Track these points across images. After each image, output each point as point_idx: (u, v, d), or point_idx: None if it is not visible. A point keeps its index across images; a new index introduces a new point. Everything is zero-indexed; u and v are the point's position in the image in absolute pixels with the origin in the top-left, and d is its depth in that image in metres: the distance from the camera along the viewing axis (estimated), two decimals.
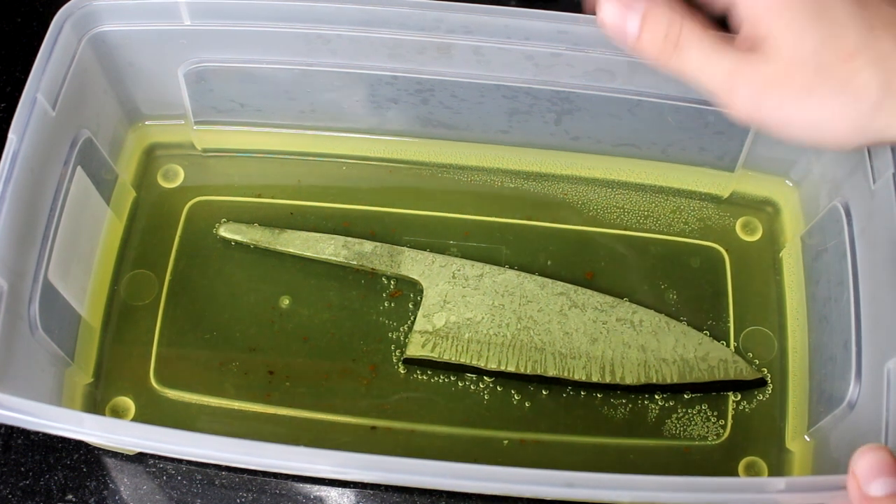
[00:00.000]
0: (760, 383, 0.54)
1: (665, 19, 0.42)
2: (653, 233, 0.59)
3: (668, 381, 0.53)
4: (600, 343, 0.54)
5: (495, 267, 0.57)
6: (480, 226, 0.59)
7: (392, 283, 0.57)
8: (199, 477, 0.52)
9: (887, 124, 0.40)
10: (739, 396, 0.54)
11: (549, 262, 0.58)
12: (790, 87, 0.40)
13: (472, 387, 0.54)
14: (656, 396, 0.54)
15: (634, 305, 0.55)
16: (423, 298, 0.55)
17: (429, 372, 0.54)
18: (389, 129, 0.59)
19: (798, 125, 0.41)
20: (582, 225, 0.59)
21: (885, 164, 0.47)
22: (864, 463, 0.37)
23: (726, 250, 0.58)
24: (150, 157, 0.60)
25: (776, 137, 0.43)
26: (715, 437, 0.53)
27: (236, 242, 0.58)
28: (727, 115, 0.43)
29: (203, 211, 0.59)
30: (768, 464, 0.53)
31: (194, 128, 0.59)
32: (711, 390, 0.54)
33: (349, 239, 0.57)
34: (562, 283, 0.56)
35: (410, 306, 0.56)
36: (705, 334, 0.55)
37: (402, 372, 0.54)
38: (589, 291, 0.56)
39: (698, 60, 0.42)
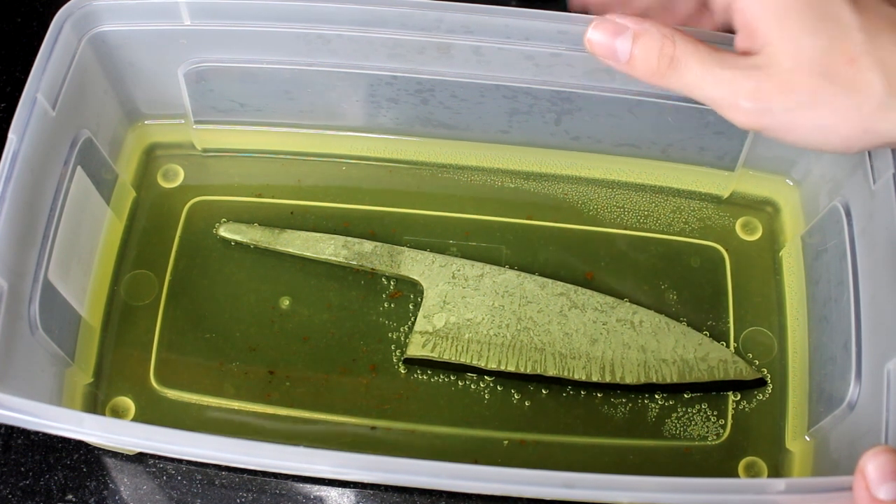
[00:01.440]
0: (760, 383, 0.54)
1: (658, 36, 0.42)
2: (653, 233, 0.59)
3: (668, 381, 0.53)
4: (600, 343, 0.54)
5: (495, 267, 0.57)
6: (480, 226, 0.59)
7: (392, 283, 0.57)
8: (199, 477, 0.52)
9: (893, 126, 0.40)
10: (739, 396, 0.54)
11: (548, 262, 0.58)
12: (794, 93, 0.40)
13: (472, 387, 0.54)
14: (656, 396, 0.54)
15: (634, 306, 0.56)
16: (423, 299, 0.55)
17: (429, 372, 0.54)
18: (389, 129, 0.59)
19: (803, 130, 0.41)
20: (582, 225, 0.59)
21: (886, 164, 0.47)
22: (875, 465, 0.36)
23: (726, 250, 0.58)
24: (150, 157, 0.60)
25: (780, 142, 0.43)
26: (715, 437, 0.53)
27: (236, 242, 0.58)
28: (730, 122, 0.43)
29: (203, 211, 0.59)
30: (768, 464, 0.53)
31: (194, 128, 0.59)
32: (711, 390, 0.54)
33: (349, 239, 0.57)
34: (562, 284, 0.56)
35: (410, 307, 0.56)
36: (705, 334, 0.55)
37: (402, 372, 0.54)
38: (589, 292, 0.56)
39: (696, 75, 0.42)
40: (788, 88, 0.40)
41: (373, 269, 0.56)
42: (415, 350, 0.54)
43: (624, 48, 0.43)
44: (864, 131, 0.41)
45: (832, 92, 0.40)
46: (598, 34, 0.43)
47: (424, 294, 0.56)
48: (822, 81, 0.40)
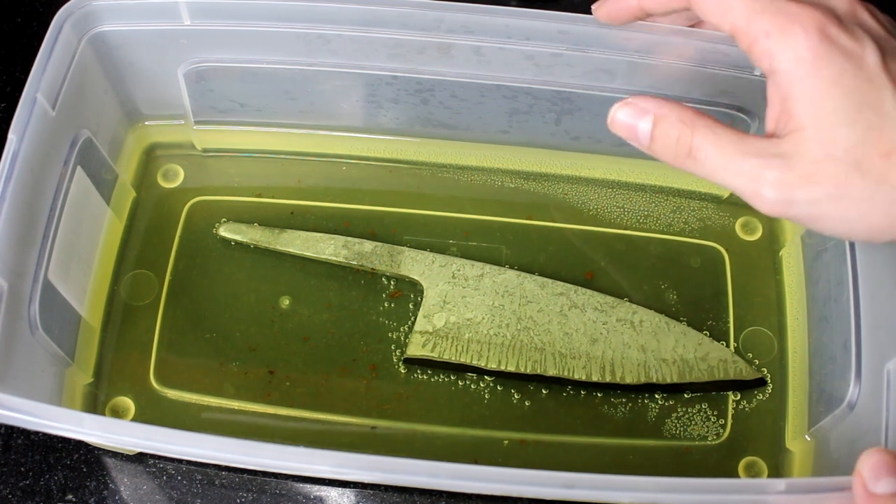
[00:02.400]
0: (760, 383, 0.54)
1: (675, 124, 0.40)
2: (653, 233, 0.59)
3: (668, 380, 0.54)
4: (600, 343, 0.54)
5: (495, 267, 0.57)
6: (480, 226, 0.59)
7: (392, 283, 0.57)
8: (199, 477, 0.52)
9: None
10: (739, 396, 0.54)
11: (548, 262, 0.58)
12: (819, 185, 0.38)
13: (472, 386, 0.54)
14: (656, 396, 0.54)
15: (634, 306, 0.56)
16: (423, 298, 0.55)
17: (429, 372, 0.54)
18: (389, 129, 0.59)
19: (829, 221, 0.39)
20: (582, 225, 0.59)
21: None
22: (870, 463, 0.37)
23: (726, 250, 0.58)
24: (150, 157, 0.60)
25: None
26: (715, 437, 0.53)
27: (236, 242, 0.58)
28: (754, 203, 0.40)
29: (203, 211, 0.59)
30: (768, 464, 0.53)
31: (194, 128, 0.59)
32: (711, 390, 0.54)
33: (349, 239, 0.57)
34: (562, 284, 0.56)
35: (410, 306, 0.56)
36: (705, 334, 0.55)
37: (402, 372, 0.54)
38: (589, 291, 0.56)
39: (715, 165, 0.40)
40: (813, 180, 0.38)
41: (373, 269, 0.56)
42: (415, 350, 0.54)
43: (645, 132, 0.42)
44: (893, 223, 0.38)
45: (861, 186, 0.37)
46: (622, 114, 0.42)
47: (424, 294, 0.56)
48: (851, 174, 0.37)
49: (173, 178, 0.60)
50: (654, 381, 0.53)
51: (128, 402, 0.53)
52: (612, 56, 0.51)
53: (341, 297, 0.56)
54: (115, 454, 0.52)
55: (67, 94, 0.49)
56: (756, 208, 0.40)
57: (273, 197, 0.59)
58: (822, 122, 0.38)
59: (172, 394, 0.54)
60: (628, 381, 0.53)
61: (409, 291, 0.56)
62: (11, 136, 0.46)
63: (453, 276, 0.56)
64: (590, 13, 0.48)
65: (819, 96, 0.38)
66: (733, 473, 0.52)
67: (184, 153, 0.60)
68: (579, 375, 0.53)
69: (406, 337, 0.55)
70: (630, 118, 0.42)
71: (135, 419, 0.53)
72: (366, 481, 0.51)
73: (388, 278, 0.57)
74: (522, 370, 0.54)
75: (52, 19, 0.49)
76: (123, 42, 0.53)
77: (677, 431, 0.53)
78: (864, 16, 0.40)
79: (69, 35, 0.49)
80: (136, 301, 0.56)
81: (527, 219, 0.59)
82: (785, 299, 0.57)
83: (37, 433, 0.53)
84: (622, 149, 0.58)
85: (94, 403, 0.53)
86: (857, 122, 0.38)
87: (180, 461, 0.52)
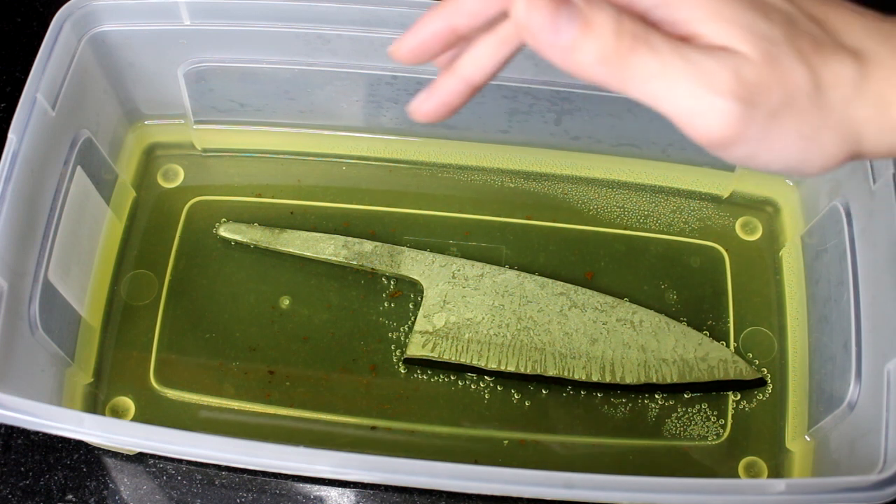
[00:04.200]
0: (760, 383, 0.54)
1: (611, 9, 0.31)
2: (653, 233, 0.59)
3: (668, 381, 0.53)
4: (600, 343, 0.54)
5: (495, 267, 0.57)
6: (480, 226, 0.59)
7: (392, 283, 0.57)
8: (199, 477, 0.52)
9: (870, 113, 0.33)
10: (739, 396, 0.54)
11: (548, 262, 0.58)
12: (783, 85, 0.32)
13: (472, 386, 0.54)
14: (656, 396, 0.54)
15: (634, 305, 0.56)
16: (423, 298, 0.55)
17: (429, 372, 0.54)
18: (389, 129, 0.59)
19: (783, 143, 0.34)
20: (582, 225, 0.59)
21: (885, 164, 0.47)
22: None
23: (726, 250, 0.58)
24: (150, 157, 0.60)
25: (750, 167, 0.36)
26: (715, 437, 0.53)
27: (236, 242, 0.58)
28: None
29: (203, 211, 0.59)
30: (768, 464, 0.53)
31: (194, 128, 0.59)
32: (711, 390, 0.54)
33: (349, 239, 0.57)
34: (562, 284, 0.56)
35: (410, 306, 0.56)
36: (705, 334, 0.55)
37: (402, 372, 0.54)
38: (589, 291, 0.56)
39: (662, 63, 0.33)
40: (778, 74, 0.32)
41: (373, 268, 0.56)
42: (415, 350, 0.54)
43: (569, 25, 0.31)
44: (841, 133, 0.33)
45: (810, 84, 0.32)
46: (534, 12, 0.31)
47: (424, 294, 0.56)
48: (799, 67, 0.32)
49: (173, 178, 0.60)
50: (654, 381, 0.53)
51: (128, 402, 0.53)
52: None
53: (341, 297, 0.56)
54: (115, 454, 0.52)
55: (67, 94, 0.49)
56: (701, 135, 0.35)
57: (273, 197, 0.59)
58: (741, 28, 0.32)
59: (172, 394, 0.54)
60: (628, 381, 0.53)
61: (409, 291, 0.56)
62: (11, 136, 0.46)
63: (453, 276, 0.56)
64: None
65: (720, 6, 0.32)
66: (733, 473, 0.52)
67: (184, 153, 0.60)
68: (579, 375, 0.53)
69: (406, 337, 0.55)
70: (545, 11, 0.31)
71: (135, 419, 0.53)
72: (366, 481, 0.51)
73: (388, 278, 0.57)
74: (522, 370, 0.54)
75: (52, 19, 0.49)
76: (123, 42, 0.53)
77: (677, 431, 0.53)
78: None
79: (69, 35, 0.49)
80: (136, 301, 0.56)
81: (527, 219, 0.59)
82: (785, 299, 0.57)
83: (37, 433, 0.53)
84: (622, 149, 0.58)
85: (94, 403, 0.53)
86: (772, 20, 0.32)
87: (180, 461, 0.52)
